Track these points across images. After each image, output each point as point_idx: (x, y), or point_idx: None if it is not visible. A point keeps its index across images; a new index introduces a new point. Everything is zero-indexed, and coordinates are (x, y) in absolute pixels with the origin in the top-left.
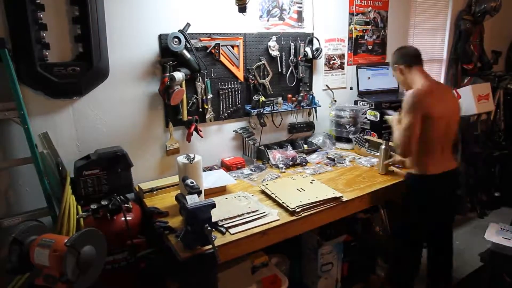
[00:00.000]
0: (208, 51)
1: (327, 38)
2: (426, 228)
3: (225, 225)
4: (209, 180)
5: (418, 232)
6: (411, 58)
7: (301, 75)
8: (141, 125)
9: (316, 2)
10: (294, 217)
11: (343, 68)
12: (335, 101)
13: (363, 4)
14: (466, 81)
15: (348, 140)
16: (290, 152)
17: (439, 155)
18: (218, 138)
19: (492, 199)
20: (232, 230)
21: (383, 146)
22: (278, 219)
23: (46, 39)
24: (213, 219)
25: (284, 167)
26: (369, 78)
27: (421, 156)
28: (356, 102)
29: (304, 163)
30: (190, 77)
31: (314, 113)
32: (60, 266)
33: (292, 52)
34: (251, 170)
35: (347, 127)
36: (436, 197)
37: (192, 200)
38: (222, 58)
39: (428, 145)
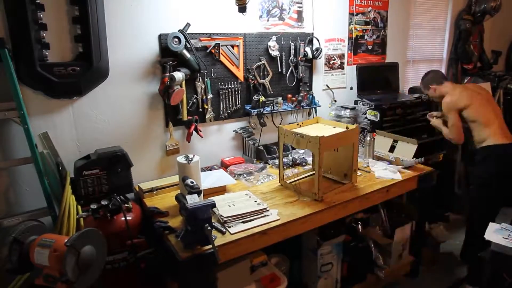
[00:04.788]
0: (208, 51)
1: (327, 38)
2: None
3: (229, 222)
4: (209, 180)
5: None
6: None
7: (301, 75)
8: (141, 125)
9: (316, 2)
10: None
11: (343, 68)
12: (335, 101)
13: (363, 4)
14: (466, 81)
15: None
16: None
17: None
18: (218, 138)
19: None
20: (232, 230)
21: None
22: (278, 219)
23: (46, 39)
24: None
25: (284, 167)
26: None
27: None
28: (356, 102)
29: (304, 163)
30: (190, 77)
31: (314, 113)
32: (60, 266)
33: (292, 52)
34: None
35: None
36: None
37: (192, 200)
38: (222, 58)
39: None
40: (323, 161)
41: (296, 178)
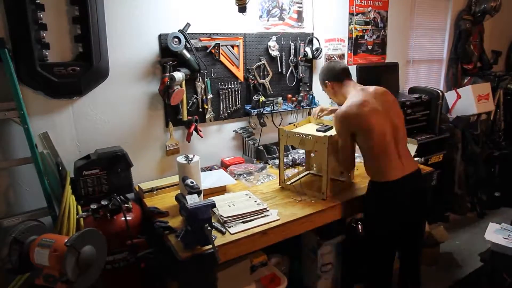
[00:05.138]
0: (208, 51)
1: (327, 38)
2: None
3: (229, 222)
4: (209, 180)
5: (387, 239)
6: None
7: (301, 75)
8: (141, 125)
9: (316, 2)
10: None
11: None
12: None
13: (363, 4)
14: (466, 81)
15: None
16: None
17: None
18: (218, 138)
19: (492, 199)
20: (232, 230)
21: None
22: (278, 219)
23: (46, 39)
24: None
25: (285, 167)
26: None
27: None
28: None
29: (304, 163)
30: (190, 77)
31: None
32: (60, 266)
33: (292, 52)
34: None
35: None
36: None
37: (192, 200)
38: (222, 58)
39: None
40: (318, 160)
41: (296, 178)
